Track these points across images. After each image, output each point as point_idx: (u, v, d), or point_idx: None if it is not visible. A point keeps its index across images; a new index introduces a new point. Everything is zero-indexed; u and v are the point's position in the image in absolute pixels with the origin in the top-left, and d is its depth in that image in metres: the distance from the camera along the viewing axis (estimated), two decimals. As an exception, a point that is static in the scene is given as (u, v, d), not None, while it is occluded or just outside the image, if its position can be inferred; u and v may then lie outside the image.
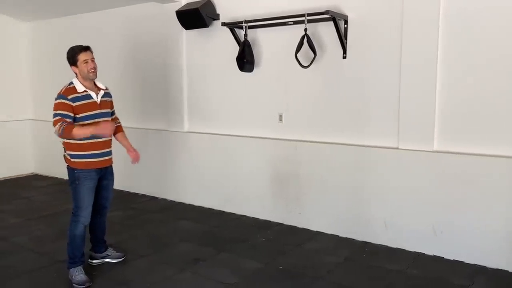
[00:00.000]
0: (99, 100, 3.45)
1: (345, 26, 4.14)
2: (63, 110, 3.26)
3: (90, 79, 3.41)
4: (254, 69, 4.73)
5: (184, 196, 5.57)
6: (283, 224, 4.69)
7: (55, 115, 3.27)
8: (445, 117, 3.75)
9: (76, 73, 3.40)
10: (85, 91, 3.36)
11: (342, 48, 4.16)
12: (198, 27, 5.02)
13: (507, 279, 3.40)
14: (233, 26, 4.69)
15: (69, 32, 6.58)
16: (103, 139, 3.45)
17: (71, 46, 3.44)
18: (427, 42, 3.74)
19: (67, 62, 3.41)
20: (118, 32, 6.01)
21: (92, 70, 3.37)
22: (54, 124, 3.25)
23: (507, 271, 3.51)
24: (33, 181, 7.02)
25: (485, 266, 3.59)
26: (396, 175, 3.97)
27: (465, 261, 3.67)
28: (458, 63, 3.67)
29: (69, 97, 3.28)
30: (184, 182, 5.55)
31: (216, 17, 4.98)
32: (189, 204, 5.48)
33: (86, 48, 3.39)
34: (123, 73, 6.03)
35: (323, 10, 3.92)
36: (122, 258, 3.81)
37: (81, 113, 3.32)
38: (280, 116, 4.70)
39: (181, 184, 5.58)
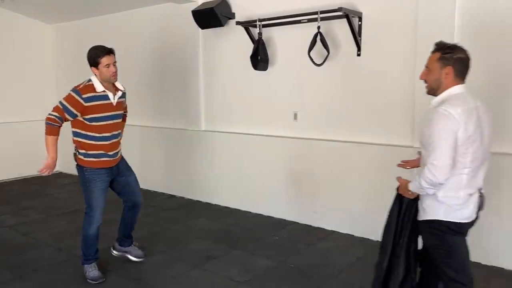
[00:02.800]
0: (115, 102, 3.37)
1: (359, 23, 4.08)
2: (70, 105, 3.20)
3: (109, 82, 3.33)
4: (269, 67, 4.72)
5: (201, 195, 5.61)
6: (297, 223, 4.68)
7: (60, 104, 3.23)
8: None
9: (95, 74, 3.29)
10: (103, 91, 3.27)
11: (356, 45, 4.11)
12: (213, 26, 5.04)
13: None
14: (247, 25, 4.70)
15: (91, 33, 6.70)
16: (111, 141, 3.40)
17: (93, 46, 3.32)
18: (443, 38, 3.62)
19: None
20: (137, 32, 6.11)
21: (113, 75, 3.28)
22: (54, 110, 3.23)
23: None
24: (58, 179, 7.20)
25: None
26: (411, 174, 3.88)
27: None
28: (474, 60, 3.55)
29: (84, 96, 3.19)
30: (201, 181, 5.59)
31: (231, 16, 5.00)
32: (206, 203, 5.53)
33: (109, 52, 3.26)
34: (142, 73, 6.12)
35: (336, 8, 3.89)
36: (141, 259, 3.76)
37: (96, 113, 3.25)
38: (295, 114, 4.68)
39: (198, 183, 5.62)
